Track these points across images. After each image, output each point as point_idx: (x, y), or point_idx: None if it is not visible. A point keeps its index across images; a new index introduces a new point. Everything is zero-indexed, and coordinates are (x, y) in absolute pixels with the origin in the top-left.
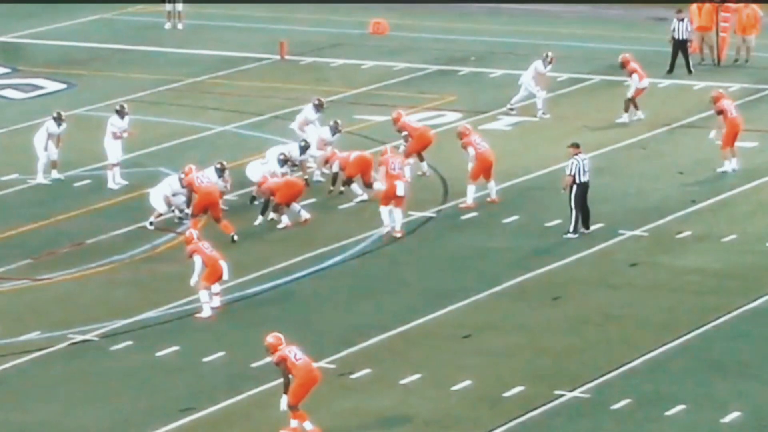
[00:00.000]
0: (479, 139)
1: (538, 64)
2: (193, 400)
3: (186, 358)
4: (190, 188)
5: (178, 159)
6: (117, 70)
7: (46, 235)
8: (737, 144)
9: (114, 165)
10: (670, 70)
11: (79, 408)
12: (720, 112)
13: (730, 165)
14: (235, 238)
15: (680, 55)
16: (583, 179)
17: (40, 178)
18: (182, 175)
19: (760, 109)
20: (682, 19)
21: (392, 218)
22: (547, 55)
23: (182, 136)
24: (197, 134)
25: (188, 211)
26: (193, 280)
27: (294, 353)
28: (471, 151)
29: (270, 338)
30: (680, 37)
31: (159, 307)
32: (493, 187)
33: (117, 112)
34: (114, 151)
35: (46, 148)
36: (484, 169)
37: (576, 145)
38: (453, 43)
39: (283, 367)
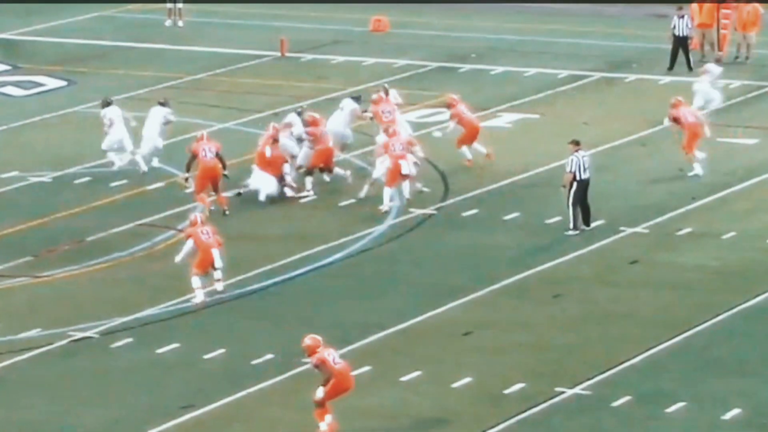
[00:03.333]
0: (465, 108)
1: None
2: (193, 397)
3: (186, 356)
4: (194, 156)
5: (178, 156)
6: (118, 68)
7: (46, 233)
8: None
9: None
10: (671, 67)
11: (79, 405)
12: (675, 119)
13: (699, 167)
14: (227, 212)
15: (681, 53)
16: (583, 176)
17: (143, 166)
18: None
19: (760, 107)
20: (683, 16)
21: (400, 195)
22: None
23: (183, 133)
24: (197, 131)
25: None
26: (177, 258)
27: (333, 356)
28: (451, 125)
29: (308, 340)
30: (680, 34)
31: (159, 304)
32: (476, 149)
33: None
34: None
35: (159, 134)
36: (471, 136)
37: (576, 142)
38: (454, 40)
39: (323, 369)
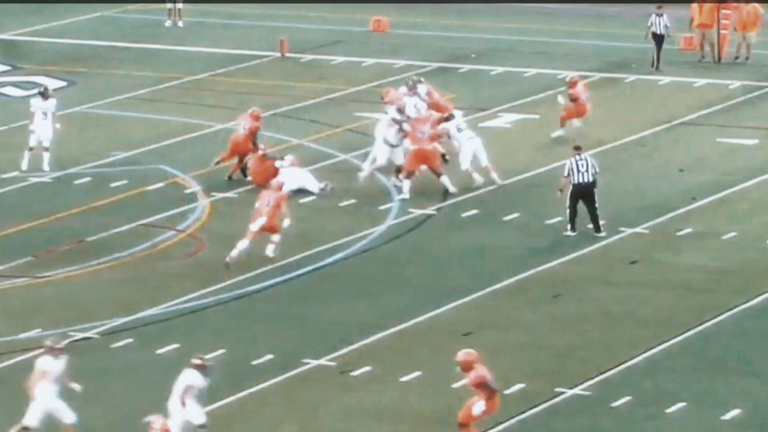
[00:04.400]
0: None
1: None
2: None
3: (186, 356)
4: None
5: (177, 156)
6: (117, 68)
7: (46, 233)
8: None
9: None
10: (654, 66)
11: (79, 406)
12: (574, 99)
13: (562, 131)
14: (233, 177)
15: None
16: (579, 180)
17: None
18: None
19: (760, 107)
20: (661, 15)
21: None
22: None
23: (182, 133)
24: (197, 132)
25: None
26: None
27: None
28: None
29: (462, 355)
30: (658, 32)
31: (160, 304)
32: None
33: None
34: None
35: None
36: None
37: (576, 148)
38: (453, 41)
39: (483, 389)
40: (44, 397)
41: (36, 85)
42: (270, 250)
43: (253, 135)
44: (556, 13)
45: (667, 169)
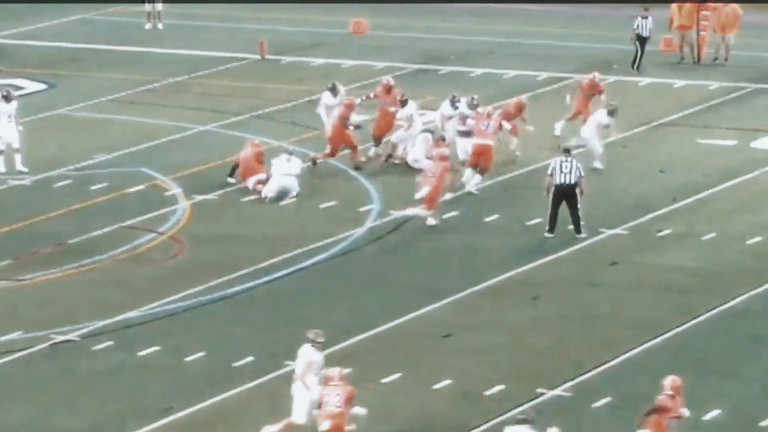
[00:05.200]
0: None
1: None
2: (174, 399)
3: (167, 358)
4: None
5: (158, 159)
6: (97, 71)
7: (27, 236)
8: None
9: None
10: (635, 67)
11: (60, 408)
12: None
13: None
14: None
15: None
16: (561, 180)
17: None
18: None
19: (739, 108)
20: (646, 17)
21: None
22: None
23: (163, 136)
24: (178, 134)
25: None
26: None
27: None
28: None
29: (664, 400)
30: (643, 34)
31: (140, 307)
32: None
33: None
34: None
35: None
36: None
37: (566, 150)
38: (433, 42)
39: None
40: (312, 390)
41: (16, 87)
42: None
43: (344, 120)
44: (536, 15)
45: (647, 170)
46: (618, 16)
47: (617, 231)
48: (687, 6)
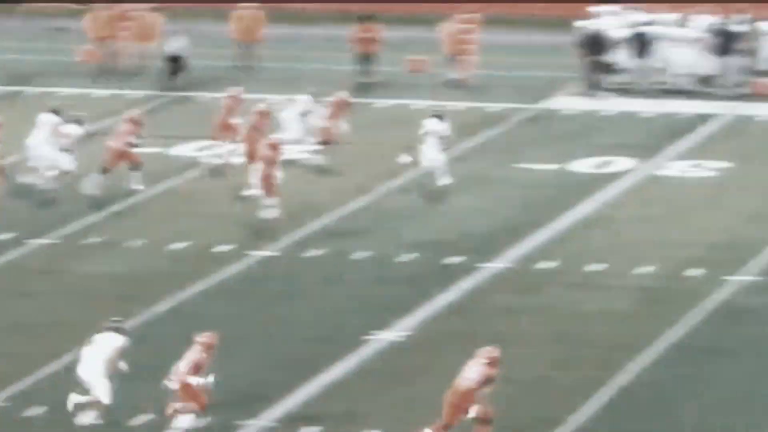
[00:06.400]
0: None
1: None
2: None
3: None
4: None
5: None
6: None
7: None
8: None
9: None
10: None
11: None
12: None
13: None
14: None
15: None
16: None
17: None
18: None
19: (168, 116)
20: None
21: None
22: None
23: None
24: None
25: None
26: None
27: None
28: None
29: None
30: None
31: None
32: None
33: None
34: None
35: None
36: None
37: None
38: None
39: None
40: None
41: None
42: None
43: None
44: None
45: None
46: (38, 27)
47: (43, 241)
48: (103, 15)
